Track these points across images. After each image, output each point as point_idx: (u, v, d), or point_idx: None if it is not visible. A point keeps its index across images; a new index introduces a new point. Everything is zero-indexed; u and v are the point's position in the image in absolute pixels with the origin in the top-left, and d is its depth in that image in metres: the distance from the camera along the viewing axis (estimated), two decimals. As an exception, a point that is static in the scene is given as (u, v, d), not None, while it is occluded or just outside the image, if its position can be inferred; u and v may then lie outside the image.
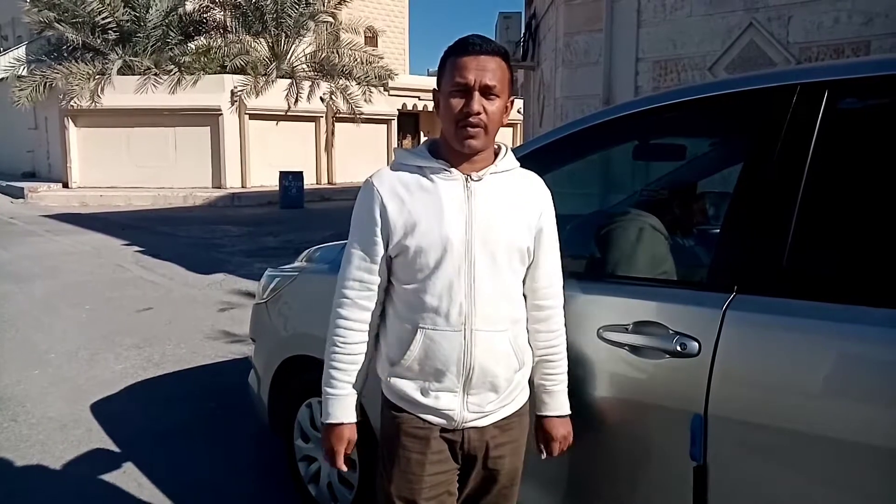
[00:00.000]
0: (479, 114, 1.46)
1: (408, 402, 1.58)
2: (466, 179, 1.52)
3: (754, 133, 1.74)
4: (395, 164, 1.59)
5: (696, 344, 1.56)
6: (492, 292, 1.52)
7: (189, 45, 20.84)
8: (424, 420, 1.58)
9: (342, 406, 1.61)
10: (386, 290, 1.61)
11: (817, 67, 1.80)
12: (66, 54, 19.82)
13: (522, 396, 1.66)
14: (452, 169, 1.53)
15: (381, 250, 1.54)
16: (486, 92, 1.47)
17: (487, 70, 1.46)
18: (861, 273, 1.53)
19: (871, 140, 1.64)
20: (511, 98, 1.54)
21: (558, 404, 1.69)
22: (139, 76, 19.01)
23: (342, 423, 1.61)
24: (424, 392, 1.56)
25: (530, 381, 1.69)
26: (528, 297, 1.64)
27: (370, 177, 1.59)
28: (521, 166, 1.64)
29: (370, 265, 1.56)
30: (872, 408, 1.35)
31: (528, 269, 1.61)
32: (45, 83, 18.34)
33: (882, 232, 1.53)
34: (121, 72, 19.00)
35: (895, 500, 1.32)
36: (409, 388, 1.57)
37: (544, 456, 1.70)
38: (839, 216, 1.61)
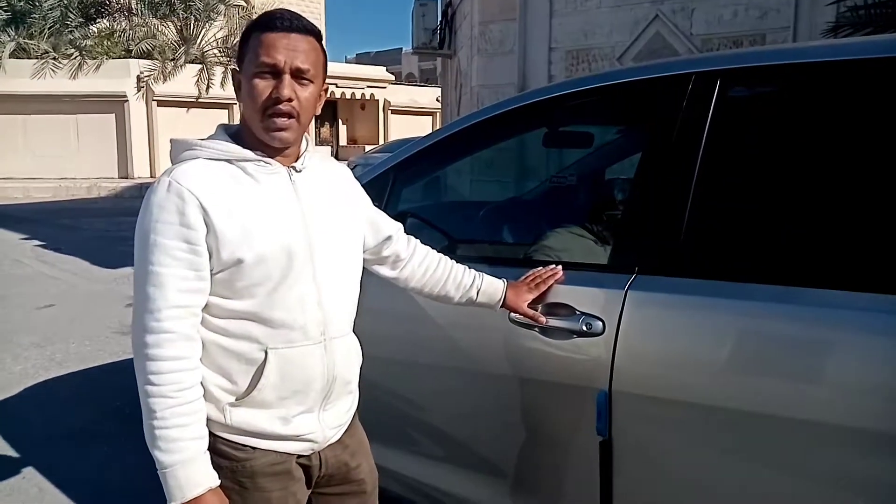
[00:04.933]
0: (290, 100, 1.26)
1: (261, 437, 1.33)
2: (289, 172, 1.34)
3: (653, 120, 1.80)
4: (189, 155, 1.29)
5: (601, 323, 1.61)
6: (340, 294, 1.40)
7: (91, 27, 19.76)
8: (282, 452, 1.36)
9: (200, 469, 1.26)
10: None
11: (711, 57, 1.88)
12: (-50, 35, 18.46)
13: (357, 393, 1.53)
14: (272, 161, 1.32)
15: (208, 264, 1.25)
16: (298, 75, 1.27)
17: (299, 51, 1.27)
18: (752, 252, 1.62)
19: (760, 125, 1.73)
20: (325, 86, 1.36)
21: (496, 280, 1.70)
22: (35, 60, 17.90)
23: (209, 490, 1.25)
24: (284, 420, 1.33)
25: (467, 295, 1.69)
26: (396, 263, 1.64)
27: (169, 176, 1.25)
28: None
29: (199, 284, 1.24)
30: (764, 378, 1.43)
31: (381, 244, 1.59)
32: (-72, 66, 17.04)
33: (769, 212, 1.63)
34: (14, 55, 17.85)
35: (792, 467, 1.40)
36: (264, 419, 1.32)
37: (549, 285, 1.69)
38: (731, 199, 1.70)
